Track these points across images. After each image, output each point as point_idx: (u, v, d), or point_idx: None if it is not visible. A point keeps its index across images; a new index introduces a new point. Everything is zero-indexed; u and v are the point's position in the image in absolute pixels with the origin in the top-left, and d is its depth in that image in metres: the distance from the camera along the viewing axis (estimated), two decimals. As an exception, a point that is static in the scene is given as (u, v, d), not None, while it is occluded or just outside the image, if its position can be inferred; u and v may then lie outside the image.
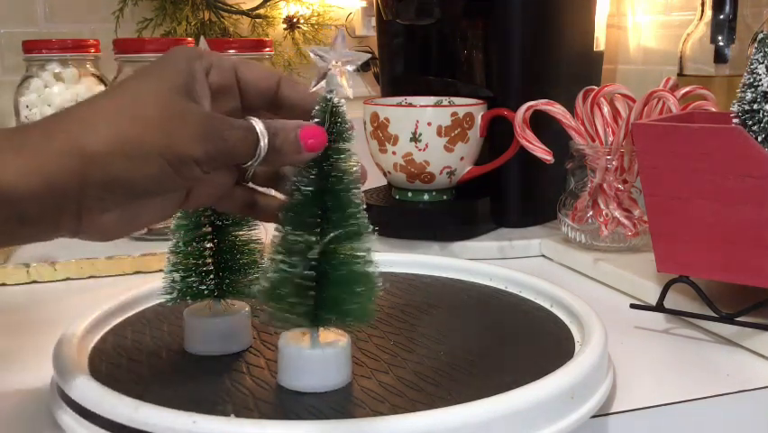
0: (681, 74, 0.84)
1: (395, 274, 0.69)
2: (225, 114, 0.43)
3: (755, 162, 0.54)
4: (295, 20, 1.13)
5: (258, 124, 0.43)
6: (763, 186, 0.54)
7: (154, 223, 0.45)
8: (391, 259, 0.72)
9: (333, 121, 0.44)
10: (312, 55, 0.43)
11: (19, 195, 0.38)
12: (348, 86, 0.43)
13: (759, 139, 0.57)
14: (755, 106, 0.57)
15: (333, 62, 0.43)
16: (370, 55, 0.52)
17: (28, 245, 0.53)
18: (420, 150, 0.84)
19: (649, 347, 0.60)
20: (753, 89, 0.57)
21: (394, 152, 0.85)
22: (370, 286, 0.44)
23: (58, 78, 0.98)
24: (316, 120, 0.44)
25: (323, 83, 0.43)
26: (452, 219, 0.85)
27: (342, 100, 0.44)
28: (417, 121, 0.83)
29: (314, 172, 0.44)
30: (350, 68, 0.44)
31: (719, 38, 0.81)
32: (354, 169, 0.47)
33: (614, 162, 0.77)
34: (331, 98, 0.44)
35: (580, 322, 0.55)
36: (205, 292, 0.51)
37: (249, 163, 0.43)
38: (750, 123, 0.57)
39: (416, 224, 0.86)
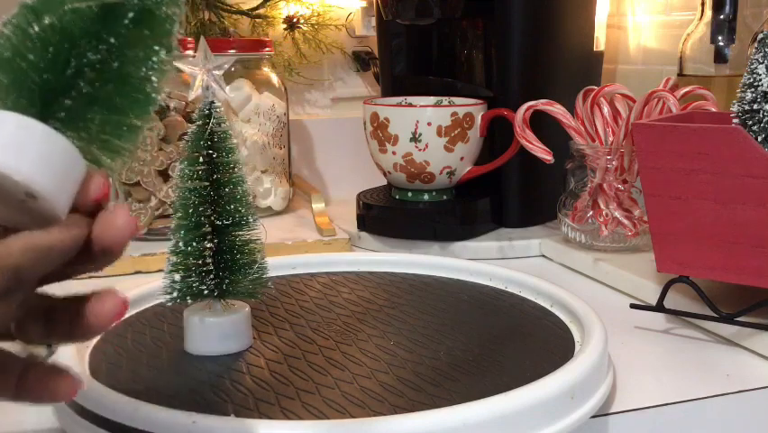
0: (681, 74, 0.84)
1: (395, 274, 0.70)
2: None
3: (755, 162, 0.54)
4: (295, 20, 1.13)
5: None
6: (763, 186, 0.54)
7: None
8: (391, 259, 0.73)
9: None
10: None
11: None
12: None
13: (759, 139, 0.57)
14: (755, 106, 0.57)
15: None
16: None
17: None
18: (420, 150, 0.84)
19: (649, 347, 0.60)
20: (753, 89, 0.57)
21: (394, 152, 0.85)
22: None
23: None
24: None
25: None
26: (452, 219, 0.85)
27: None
28: (417, 121, 0.83)
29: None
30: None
31: (719, 38, 0.81)
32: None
33: (614, 162, 0.77)
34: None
35: (580, 322, 0.55)
36: (205, 292, 0.51)
37: None
38: (750, 123, 0.57)
39: (415, 224, 0.86)
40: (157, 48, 0.33)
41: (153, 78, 0.33)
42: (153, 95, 0.33)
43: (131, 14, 0.32)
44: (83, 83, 0.32)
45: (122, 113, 0.33)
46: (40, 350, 0.37)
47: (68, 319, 0.35)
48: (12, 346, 0.36)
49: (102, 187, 0.33)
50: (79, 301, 0.35)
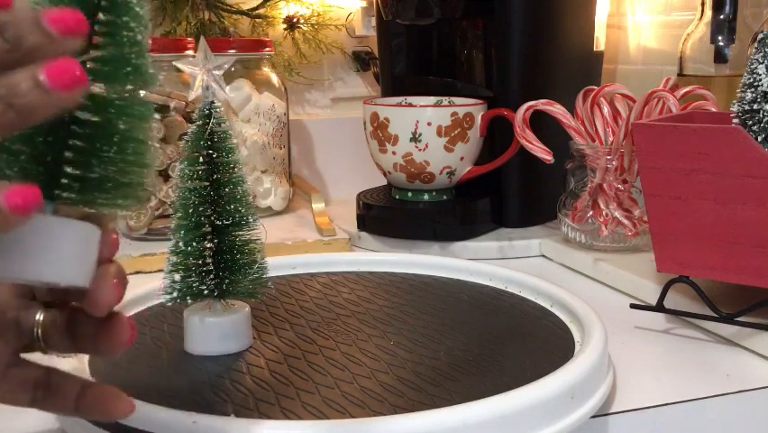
0: (681, 74, 0.84)
1: (395, 274, 0.70)
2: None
3: (755, 162, 0.54)
4: (295, 20, 1.13)
5: None
6: (763, 186, 0.54)
7: None
8: (391, 259, 0.73)
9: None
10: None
11: None
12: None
13: (759, 139, 0.57)
14: (755, 106, 0.57)
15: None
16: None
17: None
18: (420, 150, 0.84)
19: (649, 347, 0.60)
20: (753, 89, 0.57)
21: (394, 152, 0.85)
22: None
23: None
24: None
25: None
26: (452, 219, 0.85)
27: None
28: (417, 121, 0.83)
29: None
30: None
31: (719, 38, 0.81)
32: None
33: (614, 162, 0.77)
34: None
35: (580, 322, 0.55)
36: (205, 292, 0.51)
37: None
38: (750, 123, 0.57)
39: (416, 224, 0.86)
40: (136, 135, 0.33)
41: (144, 159, 0.33)
42: (149, 159, 0.34)
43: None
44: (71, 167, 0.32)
45: (125, 176, 0.33)
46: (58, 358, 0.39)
47: (92, 333, 0.36)
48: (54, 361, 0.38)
49: (115, 245, 0.35)
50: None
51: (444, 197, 0.89)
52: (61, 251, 0.31)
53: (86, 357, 0.51)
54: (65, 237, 0.31)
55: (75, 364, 0.48)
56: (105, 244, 0.34)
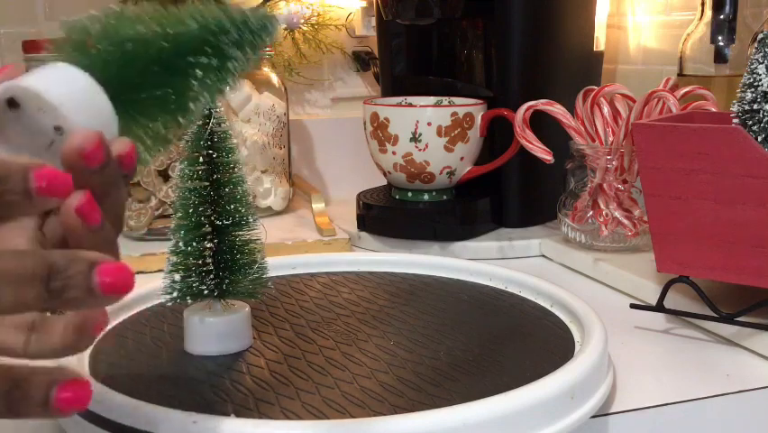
0: (681, 74, 0.84)
1: (395, 274, 0.70)
2: None
3: (755, 162, 0.54)
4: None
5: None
6: (763, 186, 0.54)
7: None
8: (391, 259, 0.73)
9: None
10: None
11: None
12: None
13: (759, 139, 0.57)
14: (755, 106, 0.57)
15: None
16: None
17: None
18: (420, 150, 0.84)
19: (649, 347, 0.60)
20: (753, 89, 0.57)
21: (394, 152, 0.85)
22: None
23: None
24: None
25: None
26: (452, 219, 0.85)
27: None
28: (417, 121, 0.83)
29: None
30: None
31: (719, 38, 0.81)
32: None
33: (614, 162, 0.77)
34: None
35: (580, 322, 0.55)
36: (205, 292, 0.51)
37: None
38: (750, 123, 0.57)
39: (415, 224, 0.86)
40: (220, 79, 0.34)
41: (203, 97, 0.34)
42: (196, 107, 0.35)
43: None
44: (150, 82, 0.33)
45: (171, 114, 0.34)
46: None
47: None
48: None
49: (129, 148, 0.32)
50: None
51: (444, 197, 0.89)
52: (80, 93, 0.31)
53: (86, 357, 0.51)
54: (89, 91, 0.32)
55: (74, 364, 0.48)
56: (119, 142, 0.32)
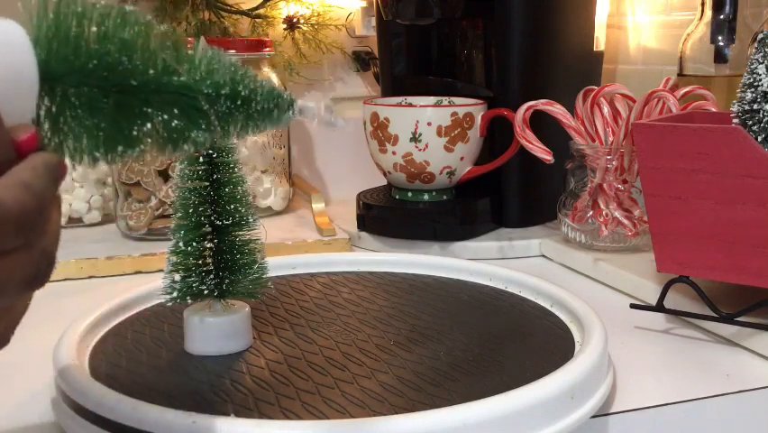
0: (681, 74, 0.84)
1: (395, 274, 0.70)
2: None
3: (755, 162, 0.54)
4: (295, 20, 1.13)
5: None
6: (763, 186, 0.54)
7: None
8: (391, 259, 0.73)
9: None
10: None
11: None
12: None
13: (759, 139, 0.57)
14: (755, 106, 0.57)
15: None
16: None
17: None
18: (420, 150, 0.84)
19: (649, 347, 0.60)
20: (753, 89, 0.57)
21: (394, 152, 0.85)
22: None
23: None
24: None
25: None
26: (452, 219, 0.85)
27: None
28: (417, 121, 0.83)
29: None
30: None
31: (719, 38, 0.81)
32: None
33: (614, 162, 0.77)
34: None
35: (580, 322, 0.55)
36: (205, 292, 0.51)
37: None
38: (750, 123, 0.57)
39: (416, 224, 0.86)
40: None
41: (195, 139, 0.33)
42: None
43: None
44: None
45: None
46: None
47: None
48: None
49: (29, 132, 0.30)
50: None
51: (444, 197, 0.89)
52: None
53: (86, 357, 0.51)
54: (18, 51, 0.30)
55: (74, 363, 0.48)
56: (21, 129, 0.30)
